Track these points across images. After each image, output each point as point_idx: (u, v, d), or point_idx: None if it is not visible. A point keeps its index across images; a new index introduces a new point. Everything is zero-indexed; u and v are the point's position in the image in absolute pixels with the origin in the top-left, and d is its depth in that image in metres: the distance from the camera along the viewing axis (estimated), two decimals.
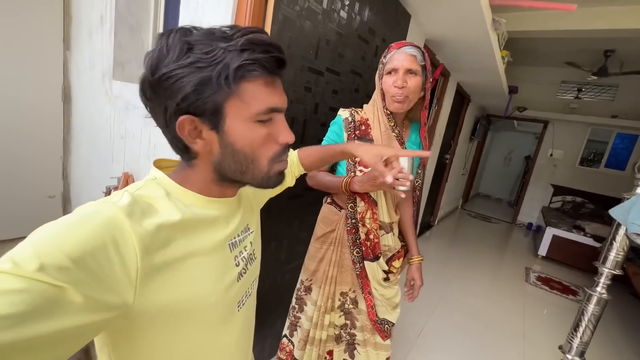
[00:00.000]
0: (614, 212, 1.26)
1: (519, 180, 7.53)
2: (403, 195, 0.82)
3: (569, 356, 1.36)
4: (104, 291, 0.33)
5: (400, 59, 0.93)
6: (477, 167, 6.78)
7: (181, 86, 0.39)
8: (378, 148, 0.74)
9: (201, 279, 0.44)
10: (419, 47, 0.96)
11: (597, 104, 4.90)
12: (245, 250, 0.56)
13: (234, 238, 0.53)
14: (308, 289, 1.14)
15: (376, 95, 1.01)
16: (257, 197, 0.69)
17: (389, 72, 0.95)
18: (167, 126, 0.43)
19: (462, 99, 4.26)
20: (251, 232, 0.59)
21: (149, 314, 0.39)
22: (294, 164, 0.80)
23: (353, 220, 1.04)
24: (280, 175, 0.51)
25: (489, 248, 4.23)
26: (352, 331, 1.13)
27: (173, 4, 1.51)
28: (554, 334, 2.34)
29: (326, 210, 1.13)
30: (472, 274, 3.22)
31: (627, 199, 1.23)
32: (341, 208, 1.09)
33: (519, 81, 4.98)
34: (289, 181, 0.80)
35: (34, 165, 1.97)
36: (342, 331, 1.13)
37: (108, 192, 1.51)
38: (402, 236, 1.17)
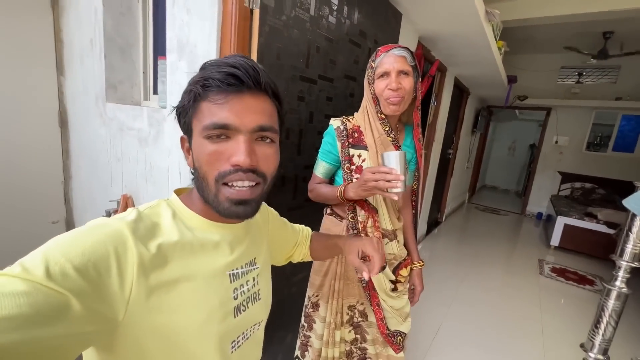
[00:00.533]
0: (628, 202, 1.20)
1: (525, 170, 7.42)
2: (396, 197, 0.81)
3: (591, 355, 1.30)
4: (99, 301, 0.34)
5: (390, 61, 0.92)
6: (481, 159, 6.70)
7: (179, 109, 0.48)
8: (359, 243, 0.72)
9: (195, 305, 0.44)
10: (407, 48, 0.94)
11: (600, 87, 4.81)
12: (247, 285, 0.54)
13: (236, 269, 0.51)
14: (315, 305, 1.11)
15: (367, 102, 0.99)
16: (274, 241, 0.70)
17: (381, 76, 0.94)
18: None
19: (461, 92, 4.21)
20: (256, 268, 0.57)
21: (135, 335, 0.38)
22: (302, 244, 0.82)
23: (355, 231, 1.02)
24: (233, 206, 0.45)
25: (500, 241, 4.15)
26: (363, 345, 1.09)
27: (161, 23, 1.50)
28: (574, 328, 2.27)
29: (327, 221, 1.11)
30: (484, 269, 3.16)
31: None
32: (342, 218, 1.06)
33: (518, 70, 4.92)
34: (296, 256, 0.83)
35: (35, 191, 1.97)
36: (352, 347, 1.09)
37: (108, 216, 1.50)
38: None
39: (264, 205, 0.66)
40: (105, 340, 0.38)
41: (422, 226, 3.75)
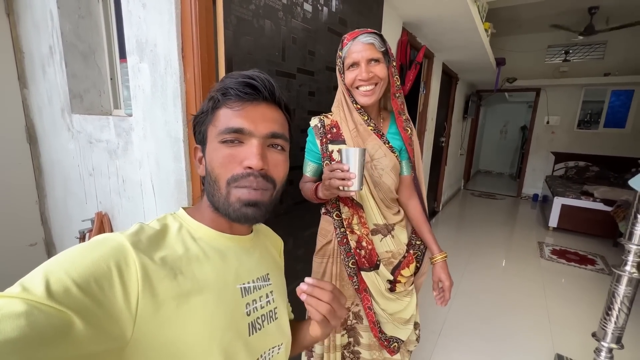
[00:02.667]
0: (634, 182, 1.14)
1: (518, 152, 7.42)
2: (352, 194, 0.79)
3: (604, 344, 1.25)
4: (105, 319, 0.33)
5: (358, 49, 0.85)
6: (474, 144, 6.66)
7: (195, 119, 0.50)
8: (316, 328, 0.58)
9: (205, 319, 0.42)
10: (375, 33, 0.86)
11: (588, 64, 4.78)
12: (261, 301, 0.52)
13: (247, 283, 0.50)
14: None
15: (340, 94, 0.94)
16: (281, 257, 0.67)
17: (350, 66, 0.87)
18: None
19: (449, 78, 4.14)
20: (269, 284, 0.55)
21: (144, 352, 0.36)
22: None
23: (342, 229, 0.96)
24: (243, 207, 0.47)
25: (498, 226, 4.11)
26: (356, 349, 1.04)
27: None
28: (580, 312, 2.23)
29: (322, 221, 1.05)
30: (485, 257, 3.11)
31: None
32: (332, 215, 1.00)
33: (505, 52, 4.86)
34: None
35: (9, 213, 1.85)
36: (344, 351, 1.05)
37: (82, 237, 1.39)
38: (416, 235, 1.08)
39: (275, 235, 0.67)
40: None
41: None
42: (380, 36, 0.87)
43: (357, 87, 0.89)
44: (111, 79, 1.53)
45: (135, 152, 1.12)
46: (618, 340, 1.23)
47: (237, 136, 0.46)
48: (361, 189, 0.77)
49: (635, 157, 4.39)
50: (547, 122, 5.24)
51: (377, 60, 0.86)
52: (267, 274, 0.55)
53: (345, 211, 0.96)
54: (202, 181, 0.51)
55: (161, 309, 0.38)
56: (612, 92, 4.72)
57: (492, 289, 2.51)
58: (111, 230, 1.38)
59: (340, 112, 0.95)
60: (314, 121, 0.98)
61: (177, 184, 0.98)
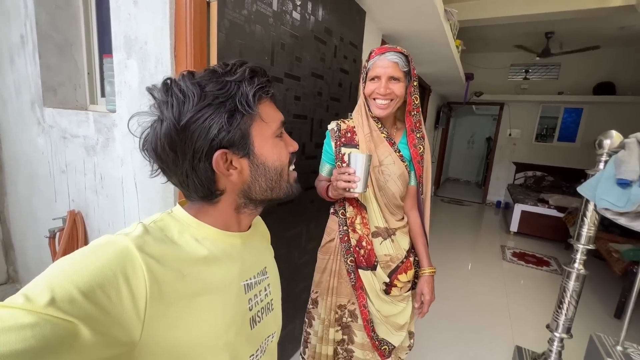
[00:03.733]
0: (582, 189, 1.29)
1: (483, 162, 7.90)
2: (356, 195, 0.86)
3: (556, 334, 1.39)
4: (112, 326, 0.32)
5: (382, 65, 0.91)
6: (444, 153, 7.01)
7: (212, 123, 0.41)
8: None
9: (212, 318, 0.43)
10: (402, 53, 0.93)
11: (545, 83, 5.24)
12: (260, 295, 0.53)
13: (250, 279, 0.51)
14: (315, 302, 1.10)
15: (361, 100, 1.00)
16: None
17: (372, 79, 0.94)
18: (195, 169, 0.43)
19: (423, 90, 4.36)
20: (267, 277, 0.57)
21: (153, 353, 0.37)
22: None
23: (345, 227, 1.01)
24: (297, 184, 0.53)
25: (465, 231, 4.36)
26: (350, 347, 1.06)
27: (107, 17, 1.35)
28: (536, 308, 2.43)
29: (329, 220, 1.11)
30: (453, 259, 3.29)
31: (592, 175, 1.27)
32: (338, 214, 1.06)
33: (473, 67, 5.20)
34: None
35: None
36: (338, 347, 1.07)
37: (52, 236, 1.32)
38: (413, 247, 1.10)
39: (264, 224, 0.69)
40: None
41: None
42: (406, 56, 0.93)
43: (374, 99, 0.95)
44: (88, 73, 1.48)
45: (118, 149, 1.10)
46: (568, 331, 1.37)
47: (283, 128, 0.50)
48: (365, 192, 0.84)
49: (582, 169, 4.85)
50: (510, 135, 5.66)
51: (397, 79, 0.92)
52: (265, 268, 0.57)
53: (350, 210, 1.02)
54: (215, 195, 0.46)
55: (169, 311, 0.38)
56: (565, 109, 5.21)
57: (459, 289, 2.67)
58: (85, 231, 1.33)
59: (359, 117, 1.00)
60: (332, 125, 1.05)
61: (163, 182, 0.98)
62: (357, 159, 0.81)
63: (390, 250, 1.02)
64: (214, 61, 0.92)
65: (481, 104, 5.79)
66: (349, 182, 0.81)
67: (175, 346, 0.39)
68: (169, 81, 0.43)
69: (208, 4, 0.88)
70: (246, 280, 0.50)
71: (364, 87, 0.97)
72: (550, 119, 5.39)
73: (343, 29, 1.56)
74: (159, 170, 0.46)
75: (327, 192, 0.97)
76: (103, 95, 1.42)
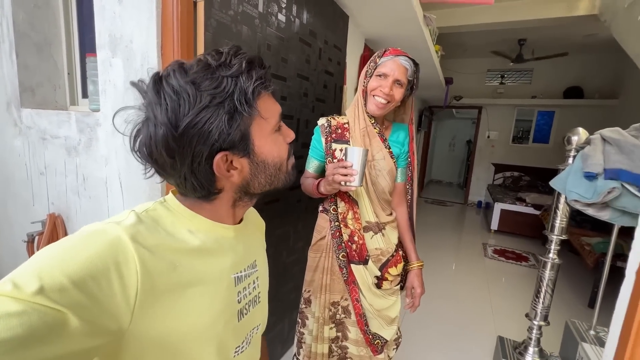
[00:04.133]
0: (554, 183, 1.37)
1: (464, 164, 8.16)
2: (352, 189, 0.87)
3: (535, 322, 1.45)
4: (102, 315, 0.32)
5: (393, 67, 0.94)
6: (427, 155, 7.20)
7: (212, 127, 0.39)
8: None
9: (201, 309, 0.42)
10: (414, 61, 0.97)
11: (519, 87, 5.50)
12: (249, 288, 0.53)
13: (240, 272, 0.51)
14: (308, 301, 1.10)
15: (359, 94, 1.01)
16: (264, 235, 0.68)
17: (379, 75, 0.95)
18: (195, 172, 0.41)
19: None
20: (256, 270, 0.56)
21: (140, 342, 0.36)
22: None
23: (336, 223, 1.02)
24: (294, 170, 0.53)
25: (448, 230, 4.48)
26: (344, 343, 1.07)
27: (88, 16, 1.33)
28: (517, 301, 2.53)
29: (319, 218, 1.11)
30: (438, 258, 3.38)
31: (562, 170, 1.36)
32: (329, 212, 1.06)
33: (453, 72, 5.39)
34: None
35: None
36: (333, 344, 1.08)
37: (31, 240, 1.28)
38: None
39: (259, 216, 0.68)
40: (110, 352, 0.36)
41: None
42: (416, 66, 0.97)
43: (374, 95, 0.96)
44: (68, 73, 1.45)
45: (101, 149, 1.08)
46: (545, 318, 1.44)
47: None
48: (361, 185, 0.85)
49: (556, 168, 5.10)
50: (488, 137, 5.88)
51: (401, 85, 0.95)
52: (255, 261, 0.56)
53: (342, 206, 1.02)
54: (213, 194, 0.45)
55: (159, 301, 0.37)
56: (538, 112, 5.48)
57: (444, 286, 2.74)
58: (65, 234, 1.29)
59: (354, 111, 1.02)
60: (322, 121, 1.05)
61: (149, 180, 0.97)
62: (354, 153, 0.82)
63: (381, 244, 1.04)
64: None
65: (461, 108, 6.00)
66: (347, 175, 0.82)
67: (164, 336, 0.39)
68: (158, 77, 0.40)
69: (195, 3, 0.89)
70: (237, 273, 0.50)
71: (367, 82, 0.97)
72: (525, 121, 5.65)
73: (327, 32, 1.61)
74: (154, 171, 0.44)
75: (318, 188, 0.96)
76: (84, 96, 1.40)
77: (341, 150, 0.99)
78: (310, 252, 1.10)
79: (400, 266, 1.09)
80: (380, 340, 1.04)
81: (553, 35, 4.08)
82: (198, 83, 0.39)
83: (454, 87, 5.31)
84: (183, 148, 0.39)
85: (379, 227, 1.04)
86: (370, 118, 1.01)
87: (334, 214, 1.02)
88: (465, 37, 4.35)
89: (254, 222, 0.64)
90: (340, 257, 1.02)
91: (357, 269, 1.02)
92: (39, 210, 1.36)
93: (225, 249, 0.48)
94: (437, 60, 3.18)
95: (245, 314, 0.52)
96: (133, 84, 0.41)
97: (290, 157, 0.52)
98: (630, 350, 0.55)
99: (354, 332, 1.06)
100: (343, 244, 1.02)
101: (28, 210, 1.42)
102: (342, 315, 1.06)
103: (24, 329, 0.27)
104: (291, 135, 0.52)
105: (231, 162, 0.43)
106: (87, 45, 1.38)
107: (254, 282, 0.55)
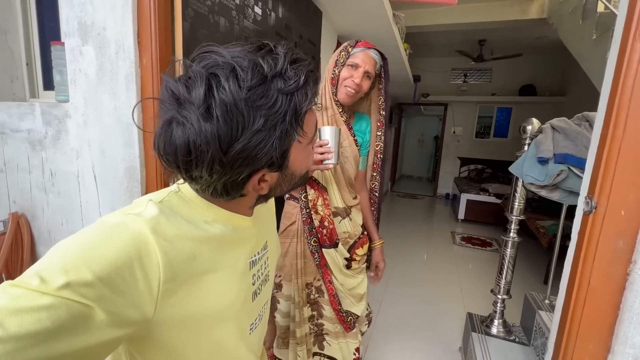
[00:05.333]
0: (512, 168, 1.52)
1: (432, 158, 8.54)
2: (330, 167, 0.90)
3: (499, 296, 1.60)
4: (127, 307, 0.33)
5: (365, 59, 0.98)
6: (397, 151, 7.45)
7: (260, 153, 0.37)
8: None
9: (220, 294, 0.44)
10: (382, 55, 1.02)
11: (480, 86, 5.86)
12: (261, 269, 0.55)
13: (254, 256, 0.52)
14: (278, 286, 1.12)
15: (327, 83, 1.03)
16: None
17: (351, 65, 0.99)
18: (226, 185, 0.40)
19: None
20: (267, 251, 0.57)
21: (164, 327, 0.38)
22: None
23: (307, 210, 1.05)
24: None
25: (419, 221, 4.70)
26: (320, 321, 1.13)
27: (48, 3, 1.26)
28: (483, 281, 2.73)
29: (286, 205, 1.13)
30: (411, 247, 3.54)
31: (519, 156, 1.50)
32: (299, 200, 1.08)
33: (420, 70, 5.63)
34: None
35: None
36: (309, 323, 1.12)
37: None
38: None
39: None
40: (135, 337, 0.38)
41: None
42: (384, 60, 1.02)
43: (345, 85, 1.00)
44: (27, 64, 1.35)
45: (71, 141, 1.04)
46: (507, 292, 1.59)
47: None
48: (337, 164, 0.88)
49: (514, 161, 5.53)
50: (454, 132, 6.22)
51: (369, 77, 1.00)
52: (266, 242, 0.57)
53: (312, 193, 1.05)
54: (235, 197, 0.44)
55: (180, 289, 0.38)
56: (497, 109, 5.88)
57: (417, 273, 2.89)
58: (31, 234, 1.22)
59: (322, 99, 1.04)
60: None
61: (128, 172, 0.95)
62: (326, 132, 0.86)
63: (348, 228, 1.11)
64: (179, 49, 0.93)
65: (428, 104, 6.28)
66: (324, 154, 0.85)
67: (186, 319, 0.40)
68: (208, 85, 0.34)
69: None
70: (252, 257, 0.51)
71: (339, 70, 1.00)
72: (486, 117, 6.04)
73: (301, 27, 1.64)
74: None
75: None
76: (47, 87, 1.32)
77: (318, 129, 1.03)
78: (280, 237, 1.11)
79: (365, 247, 1.17)
80: (352, 316, 1.11)
81: (509, 37, 4.40)
82: (252, 100, 0.35)
83: (421, 85, 5.55)
84: (225, 169, 0.37)
85: (346, 212, 1.11)
86: (339, 106, 1.05)
87: (304, 202, 1.04)
88: (431, 37, 4.56)
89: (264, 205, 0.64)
90: (312, 242, 1.06)
91: (328, 253, 1.06)
92: None
93: (243, 237, 0.49)
94: (405, 57, 3.32)
95: (258, 294, 0.53)
96: (167, 82, 0.36)
97: None
98: (573, 301, 0.65)
99: (328, 310, 1.11)
100: (314, 230, 1.05)
101: None
102: (316, 295, 1.11)
103: (53, 322, 0.28)
104: (316, 139, 0.54)
105: (263, 175, 0.42)
106: (48, 33, 1.30)
107: (265, 263, 0.56)
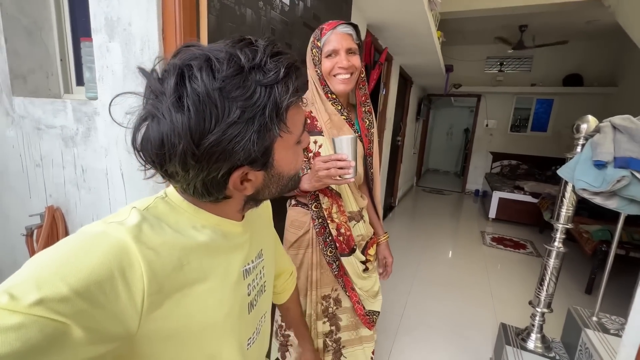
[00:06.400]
0: (562, 171, 1.36)
1: (461, 152, 8.16)
2: (350, 181, 0.82)
3: (538, 309, 1.47)
4: (107, 322, 0.31)
5: (338, 39, 0.89)
6: (424, 144, 7.18)
7: (237, 146, 0.35)
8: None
9: (213, 306, 0.41)
10: (352, 24, 0.91)
11: (518, 75, 5.45)
12: (257, 279, 0.52)
13: (248, 264, 0.49)
14: None
15: (313, 84, 0.94)
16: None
17: (329, 55, 0.90)
18: (206, 183, 0.38)
19: (405, 81, 4.42)
20: (262, 259, 0.55)
21: (152, 341, 0.36)
22: (285, 277, 0.77)
23: (320, 220, 0.98)
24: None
25: (446, 218, 4.51)
26: (337, 336, 1.08)
27: None
28: (516, 288, 2.57)
29: (293, 213, 1.05)
30: (437, 245, 3.40)
31: (570, 158, 1.34)
32: (309, 207, 1.01)
33: (452, 60, 5.32)
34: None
35: None
36: (327, 339, 1.07)
37: (30, 234, 1.24)
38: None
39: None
40: (120, 355, 0.34)
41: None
42: (356, 28, 0.92)
43: (334, 75, 0.91)
44: (61, 59, 1.38)
45: (101, 139, 1.04)
46: (548, 306, 1.46)
47: None
48: (356, 175, 0.80)
49: (554, 157, 5.15)
50: (487, 125, 5.87)
51: (353, 52, 0.90)
52: (261, 250, 0.54)
53: (325, 201, 0.97)
54: (220, 199, 0.42)
55: (167, 301, 0.36)
56: (537, 100, 5.46)
57: (443, 273, 2.77)
58: (65, 227, 1.26)
59: (315, 104, 0.95)
60: None
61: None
62: (343, 143, 0.77)
63: (362, 230, 1.05)
64: (204, 44, 0.88)
65: (460, 96, 5.95)
66: (342, 168, 0.76)
67: (176, 333, 0.38)
68: (180, 75, 0.33)
69: None
70: (245, 266, 0.48)
71: (319, 68, 0.92)
72: (523, 110, 5.63)
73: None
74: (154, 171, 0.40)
75: (301, 186, 0.89)
76: (79, 83, 1.34)
77: (315, 142, 0.94)
78: (291, 250, 1.04)
79: (375, 245, 1.12)
80: (374, 315, 1.09)
81: (555, 21, 4.02)
82: (227, 90, 0.33)
83: (453, 75, 5.25)
84: (200, 163, 0.35)
85: (360, 215, 1.06)
86: (336, 105, 0.95)
87: (316, 211, 0.97)
88: (466, 23, 4.27)
89: (261, 208, 0.60)
90: (328, 253, 0.99)
91: (347, 261, 1.00)
92: (36, 203, 1.32)
93: (234, 244, 0.46)
94: (438, 47, 3.12)
95: (255, 305, 0.51)
96: (141, 71, 0.36)
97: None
98: None
99: (344, 319, 1.07)
100: (330, 239, 0.98)
101: (25, 203, 1.37)
102: (334, 307, 1.05)
103: (23, 343, 0.25)
104: (307, 140, 0.48)
105: (246, 174, 0.40)
106: (81, 29, 1.31)
107: (260, 272, 0.54)
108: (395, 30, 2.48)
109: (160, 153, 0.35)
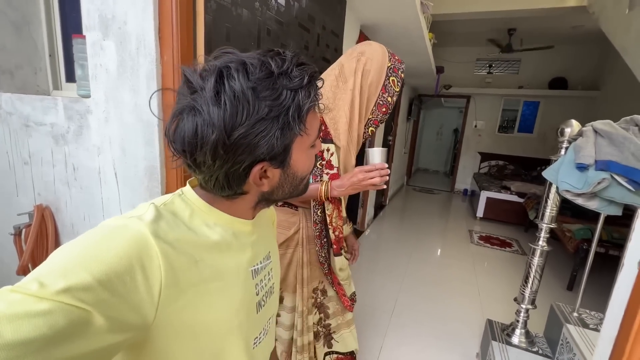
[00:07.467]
0: (546, 173, 1.41)
1: (451, 152, 8.30)
2: (385, 186, 0.90)
3: (523, 306, 1.52)
4: (127, 311, 0.33)
5: (314, 124, 0.94)
6: (415, 144, 7.27)
7: (262, 141, 0.39)
8: None
9: (223, 303, 0.44)
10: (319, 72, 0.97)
11: (506, 77, 5.58)
12: (265, 280, 0.54)
13: (257, 264, 0.52)
14: (280, 299, 1.09)
15: (357, 99, 0.93)
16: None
17: (312, 146, 0.93)
18: (228, 176, 0.41)
19: None
20: (270, 262, 0.57)
21: (165, 334, 0.38)
22: None
23: (321, 224, 1.01)
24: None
25: (436, 217, 4.60)
26: (327, 322, 1.14)
27: None
28: (502, 284, 2.64)
29: (281, 214, 1.05)
30: (426, 244, 3.47)
31: (555, 160, 1.39)
32: (297, 207, 1.05)
33: (443, 61, 5.40)
34: None
35: None
36: (318, 327, 1.12)
37: (18, 233, 1.22)
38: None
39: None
40: (135, 344, 0.37)
41: (370, 210, 3.94)
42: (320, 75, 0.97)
43: (384, 106, 0.95)
44: (50, 55, 1.35)
45: (93, 137, 1.03)
46: (532, 302, 1.51)
47: None
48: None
49: (539, 158, 5.29)
50: (475, 126, 5.98)
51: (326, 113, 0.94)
52: (269, 252, 0.57)
53: (330, 208, 0.99)
54: (238, 194, 0.45)
55: (182, 295, 0.38)
56: (524, 102, 5.59)
57: (432, 271, 2.83)
58: (55, 226, 1.24)
59: (352, 115, 0.94)
60: None
61: (148, 171, 0.93)
62: (377, 154, 0.88)
63: (347, 230, 1.14)
64: (200, 44, 0.89)
65: (450, 97, 6.05)
66: (382, 177, 0.86)
67: (189, 327, 0.40)
68: (220, 74, 0.37)
69: None
70: (254, 266, 0.51)
71: (389, 98, 0.94)
72: (511, 111, 5.77)
73: (325, 18, 1.56)
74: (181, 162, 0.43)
75: (331, 192, 0.92)
76: (69, 79, 1.31)
77: (328, 150, 0.95)
78: (280, 249, 1.04)
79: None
80: (354, 295, 1.19)
81: (542, 26, 4.12)
82: (259, 90, 0.38)
83: (443, 76, 5.33)
84: (227, 154, 0.39)
85: (348, 218, 1.13)
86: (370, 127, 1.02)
87: (320, 217, 1.00)
88: (457, 25, 4.34)
89: (266, 214, 0.63)
90: (322, 254, 1.04)
91: (339, 260, 1.05)
92: (24, 201, 1.29)
93: (243, 243, 0.49)
94: (430, 48, 3.17)
95: (263, 305, 0.53)
96: (185, 72, 0.39)
97: None
98: (631, 342, 0.59)
99: (332, 307, 1.13)
100: (328, 242, 1.04)
101: (12, 202, 1.34)
102: (322, 298, 1.12)
103: (50, 327, 0.27)
104: (319, 146, 0.52)
105: (265, 171, 0.43)
106: (70, 25, 1.29)
107: (269, 274, 0.56)
108: (388, 31, 2.51)
109: (193, 142, 0.38)
